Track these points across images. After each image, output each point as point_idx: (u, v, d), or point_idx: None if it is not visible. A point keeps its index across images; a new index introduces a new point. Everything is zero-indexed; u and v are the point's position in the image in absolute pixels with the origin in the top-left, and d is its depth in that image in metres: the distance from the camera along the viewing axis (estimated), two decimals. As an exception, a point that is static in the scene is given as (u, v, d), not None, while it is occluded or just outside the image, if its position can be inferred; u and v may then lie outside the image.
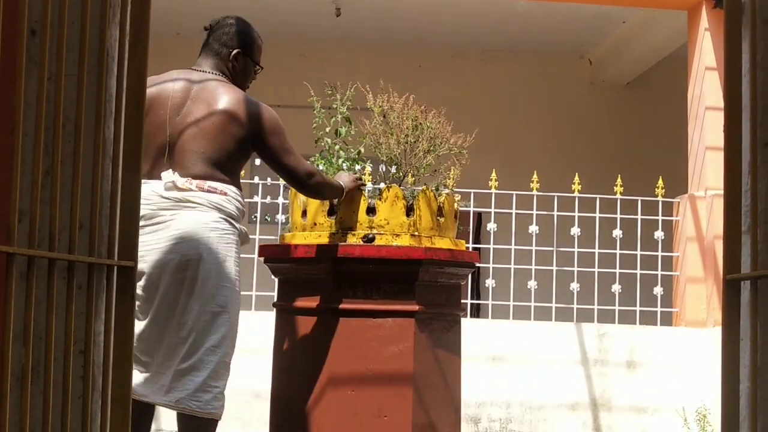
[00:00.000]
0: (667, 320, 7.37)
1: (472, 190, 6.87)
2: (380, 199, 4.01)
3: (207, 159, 3.61)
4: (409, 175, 4.24)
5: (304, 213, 4.11)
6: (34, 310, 1.69)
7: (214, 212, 3.57)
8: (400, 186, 4.09)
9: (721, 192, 6.33)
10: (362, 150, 4.30)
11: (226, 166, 3.64)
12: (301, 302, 4.03)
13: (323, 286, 3.98)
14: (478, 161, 5.24)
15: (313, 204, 4.07)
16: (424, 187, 4.09)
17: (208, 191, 3.58)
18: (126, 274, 1.90)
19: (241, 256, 6.95)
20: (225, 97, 3.68)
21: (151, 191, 3.56)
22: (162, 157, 3.63)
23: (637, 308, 7.09)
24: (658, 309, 7.14)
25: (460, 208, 4.35)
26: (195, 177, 3.58)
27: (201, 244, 3.51)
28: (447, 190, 4.22)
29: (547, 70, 10.33)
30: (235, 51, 3.82)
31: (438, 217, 4.09)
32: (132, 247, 1.91)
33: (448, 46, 10.21)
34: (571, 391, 6.78)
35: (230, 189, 3.64)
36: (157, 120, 3.66)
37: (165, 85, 3.74)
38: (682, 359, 6.87)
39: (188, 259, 3.51)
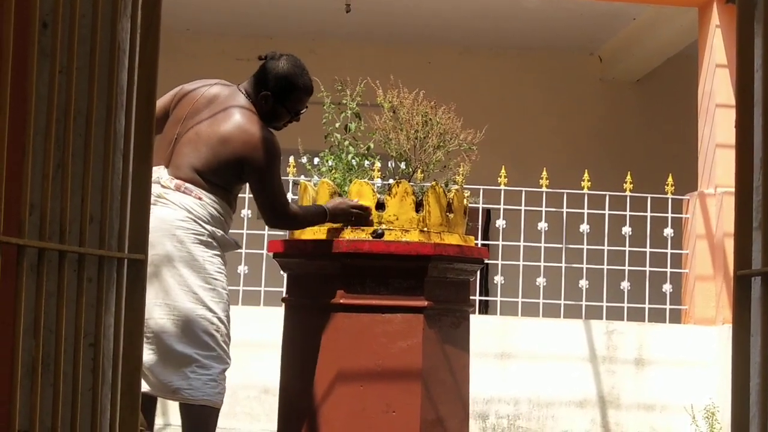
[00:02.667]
0: (676, 318, 7.36)
1: (481, 187, 6.86)
2: (390, 195, 4.01)
3: (194, 166, 3.69)
4: (419, 170, 4.24)
5: (314, 208, 4.11)
6: (44, 303, 1.69)
7: (182, 212, 3.63)
8: (409, 182, 4.09)
9: (731, 189, 6.24)
10: (372, 145, 4.30)
11: (211, 179, 3.70)
12: (310, 297, 4.03)
13: (332, 282, 3.98)
14: (488, 158, 5.24)
15: (322, 199, 4.06)
16: (433, 182, 4.09)
17: (183, 192, 3.65)
18: (136, 267, 1.90)
19: (249, 251, 6.96)
20: (232, 120, 3.73)
21: None
22: (164, 152, 3.72)
23: (646, 305, 7.08)
24: (667, 306, 7.13)
25: (469, 205, 4.35)
26: (179, 178, 3.67)
27: (167, 242, 3.57)
28: (456, 186, 4.22)
29: (556, 67, 10.31)
30: (263, 93, 3.82)
31: (447, 213, 4.09)
32: (142, 241, 1.91)
33: (458, 43, 10.20)
34: (580, 388, 6.78)
35: (207, 195, 3.68)
36: (176, 116, 3.79)
37: (201, 87, 3.85)
38: (691, 357, 6.86)
39: (155, 254, 3.55)
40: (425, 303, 3.94)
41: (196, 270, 3.62)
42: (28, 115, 1.65)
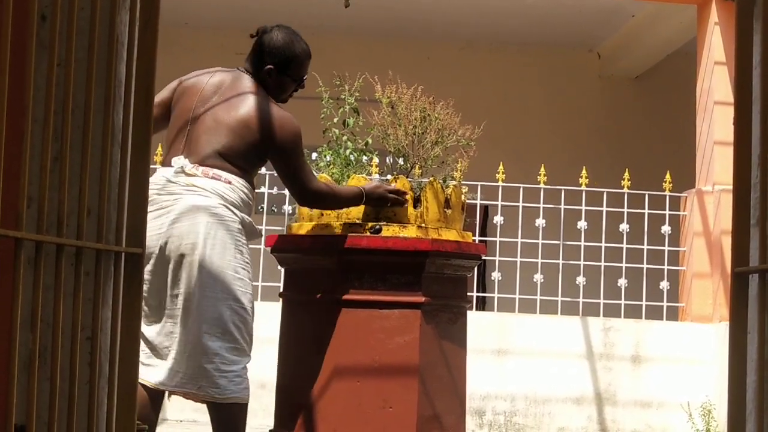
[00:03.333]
0: (673, 315, 7.36)
1: (479, 183, 6.86)
2: (387, 190, 4.00)
3: (218, 152, 3.65)
4: (417, 166, 4.24)
5: (312, 203, 4.11)
6: (41, 296, 1.69)
7: (215, 198, 3.58)
8: (407, 177, 4.09)
9: (729, 187, 6.25)
10: (370, 141, 4.30)
11: (236, 162, 3.67)
12: (308, 293, 4.03)
13: (330, 277, 3.98)
14: (486, 154, 5.23)
15: (321, 194, 4.06)
16: (431, 178, 4.09)
17: (213, 178, 3.60)
18: (134, 261, 1.90)
19: (249, 246, 6.95)
20: (249, 102, 3.70)
21: (161, 176, 3.64)
22: (179, 143, 3.68)
23: (643, 303, 7.08)
24: (664, 304, 7.13)
25: (467, 201, 4.35)
26: (204, 164, 3.62)
27: (200, 229, 3.54)
28: (454, 182, 4.22)
29: (555, 63, 10.31)
30: (267, 67, 3.81)
31: (445, 209, 4.09)
32: (140, 234, 1.91)
33: (457, 38, 10.20)
34: (576, 385, 6.78)
35: (236, 179, 3.65)
36: (183, 107, 3.74)
37: (202, 76, 3.82)
38: (688, 354, 6.86)
39: (187, 243, 3.53)
40: (423, 299, 3.93)
41: (227, 259, 3.57)
42: (26, 108, 1.64)
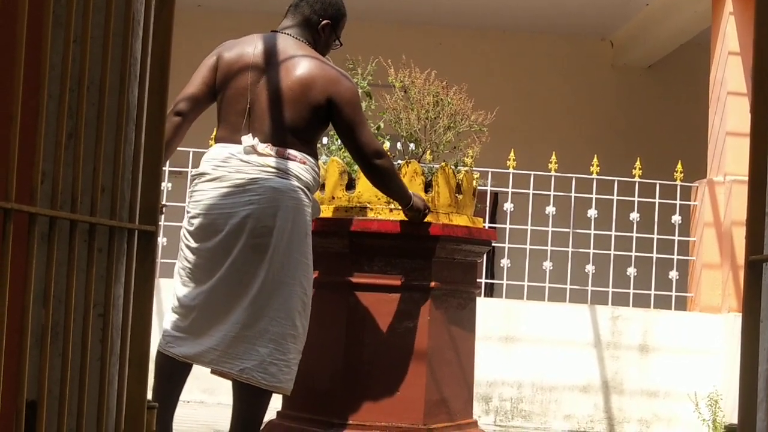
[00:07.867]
0: (682, 305, 7.35)
1: (490, 169, 6.85)
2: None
3: (286, 126, 3.59)
4: (429, 151, 4.24)
5: (323, 186, 4.11)
6: (54, 272, 1.69)
7: (292, 180, 3.54)
8: (419, 162, 4.08)
9: (740, 178, 6.21)
10: (382, 125, 4.30)
11: (303, 135, 3.62)
12: (318, 276, 4.03)
13: (340, 260, 3.98)
14: (497, 141, 5.22)
15: (332, 178, 4.06)
16: (443, 163, 4.08)
17: (288, 158, 3.56)
18: (147, 239, 1.90)
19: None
20: (305, 63, 3.64)
21: (229, 154, 3.57)
22: (241, 122, 3.61)
23: (652, 292, 7.07)
24: (673, 293, 7.12)
25: (478, 187, 4.34)
26: (274, 143, 3.57)
27: (278, 212, 3.48)
28: (465, 168, 4.21)
29: (568, 52, 10.28)
30: (324, 22, 3.79)
31: (456, 195, 4.09)
32: (153, 212, 1.91)
33: (469, 25, 10.17)
34: (583, 373, 6.78)
35: (308, 158, 3.61)
36: (237, 85, 3.66)
37: (246, 49, 3.71)
38: (696, 344, 6.86)
39: (263, 226, 3.48)
40: (432, 283, 3.94)
41: (297, 243, 3.52)
42: (42, 84, 1.64)
